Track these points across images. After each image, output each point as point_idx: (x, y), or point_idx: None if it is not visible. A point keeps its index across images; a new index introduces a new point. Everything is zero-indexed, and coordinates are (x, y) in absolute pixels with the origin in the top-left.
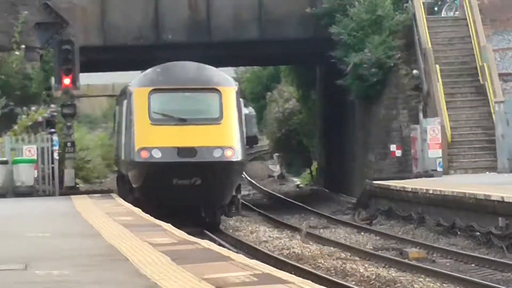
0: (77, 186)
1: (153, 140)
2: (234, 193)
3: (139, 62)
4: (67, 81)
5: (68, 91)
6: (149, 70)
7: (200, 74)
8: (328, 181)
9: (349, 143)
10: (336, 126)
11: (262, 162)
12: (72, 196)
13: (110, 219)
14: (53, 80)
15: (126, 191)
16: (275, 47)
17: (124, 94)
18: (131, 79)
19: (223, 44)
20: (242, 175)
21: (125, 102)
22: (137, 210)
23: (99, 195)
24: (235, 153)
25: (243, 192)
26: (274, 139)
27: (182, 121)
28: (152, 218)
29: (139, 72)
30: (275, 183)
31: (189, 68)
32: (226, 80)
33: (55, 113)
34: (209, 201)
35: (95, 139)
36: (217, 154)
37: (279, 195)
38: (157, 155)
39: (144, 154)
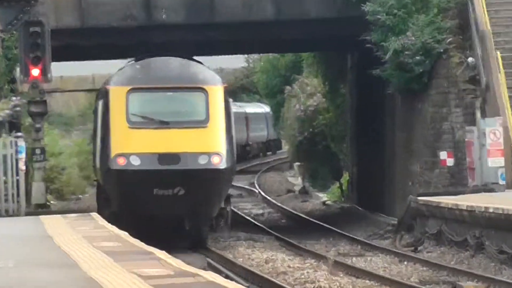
0: (48, 203)
1: (131, 145)
2: (222, 205)
3: (125, 49)
4: (35, 72)
5: (37, 84)
6: (127, 66)
7: (184, 71)
8: (362, 197)
9: (389, 149)
10: (372, 128)
11: (279, 174)
12: (42, 217)
13: (90, 245)
14: (18, 70)
15: (103, 204)
16: (295, 30)
17: (101, 92)
18: (116, 69)
19: (229, 25)
20: (231, 184)
21: (101, 102)
22: (124, 234)
23: (75, 215)
24: (223, 159)
25: (256, 211)
26: (295, 144)
27: (164, 124)
28: (142, 243)
29: (125, 61)
30: (296, 199)
31: (172, 64)
32: (213, 78)
33: (20, 110)
34: (194, 213)
35: (70, 144)
36: (202, 161)
37: (301, 214)
38: (135, 162)
39: (121, 161)
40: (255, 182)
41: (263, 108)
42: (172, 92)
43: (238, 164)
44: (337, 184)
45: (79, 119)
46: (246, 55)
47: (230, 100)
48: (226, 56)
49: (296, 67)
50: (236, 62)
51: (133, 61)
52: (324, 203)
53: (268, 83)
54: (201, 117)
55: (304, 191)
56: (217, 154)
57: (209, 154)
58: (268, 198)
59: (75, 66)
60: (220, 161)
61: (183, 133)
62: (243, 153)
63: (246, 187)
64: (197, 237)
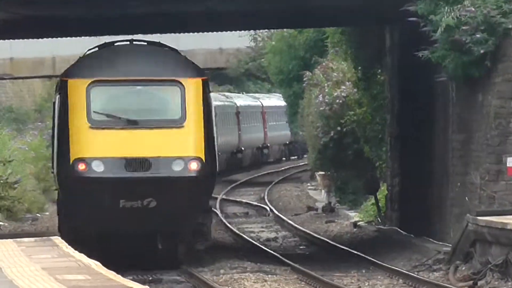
0: None
1: (93, 148)
2: (200, 220)
3: (96, 22)
4: None
5: None
6: (87, 54)
7: (156, 60)
8: (405, 217)
9: (440, 155)
10: (417, 127)
11: (297, 186)
12: None
13: (51, 278)
14: None
15: (63, 218)
16: None
17: (58, 85)
18: (83, 50)
19: None
20: (211, 195)
21: (58, 97)
22: (95, 263)
23: (32, 239)
24: (202, 165)
25: (267, 235)
26: (317, 148)
27: (132, 124)
28: (118, 276)
29: (96, 40)
30: (319, 219)
31: (142, 52)
32: (191, 69)
33: None
34: (167, 228)
35: (24, 148)
36: (177, 167)
37: (325, 239)
38: (98, 168)
39: (81, 167)
40: (266, 196)
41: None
42: (141, 86)
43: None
44: (372, 200)
45: (36, 115)
46: (253, 32)
47: (211, 95)
48: (228, 32)
49: (318, 47)
50: (241, 40)
51: (96, 49)
52: (355, 224)
53: (282, 67)
54: (176, 116)
55: (329, 209)
56: (195, 159)
57: (184, 159)
58: (283, 217)
59: (29, 45)
60: (198, 167)
61: (155, 134)
62: (260, 158)
63: (254, 203)
64: (172, 257)
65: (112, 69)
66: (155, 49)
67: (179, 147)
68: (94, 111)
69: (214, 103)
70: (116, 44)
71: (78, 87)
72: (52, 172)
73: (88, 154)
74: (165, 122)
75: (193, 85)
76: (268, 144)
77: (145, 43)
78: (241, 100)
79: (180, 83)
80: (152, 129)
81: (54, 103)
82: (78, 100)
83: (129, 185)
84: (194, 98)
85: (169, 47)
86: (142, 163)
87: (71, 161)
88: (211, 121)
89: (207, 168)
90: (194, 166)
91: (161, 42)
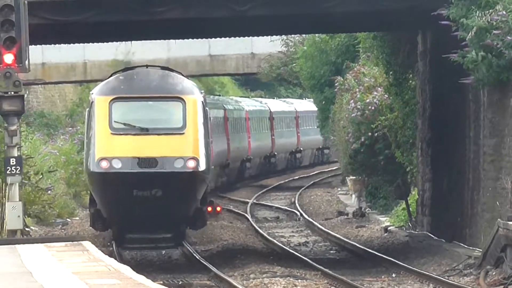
0: (28, 229)
1: (113, 150)
2: (199, 205)
3: (127, 27)
4: (8, 58)
5: (11, 74)
6: (111, 77)
7: (163, 82)
8: (436, 222)
9: (471, 160)
10: (448, 131)
11: (328, 191)
12: (18, 246)
13: (82, 283)
14: None
15: (91, 203)
16: (350, 2)
17: (89, 101)
18: (114, 54)
19: None
20: (206, 186)
21: (88, 110)
22: (125, 268)
23: (63, 243)
24: (198, 163)
25: (298, 239)
26: (348, 153)
27: (144, 131)
28: (148, 281)
29: (126, 45)
30: (350, 224)
31: (153, 75)
32: (191, 88)
33: None
34: (171, 213)
35: (55, 152)
36: (178, 164)
37: (356, 244)
38: (117, 165)
39: (104, 165)
40: (296, 201)
41: None
42: (151, 102)
43: (281, 177)
44: (403, 205)
45: (67, 120)
46: (284, 37)
47: (207, 109)
48: (260, 37)
49: (349, 52)
50: (272, 45)
51: (118, 73)
52: (386, 229)
53: (314, 72)
54: (178, 125)
55: (360, 214)
56: (192, 158)
57: (184, 158)
58: (313, 222)
59: (61, 50)
60: (195, 165)
61: (161, 139)
62: (293, 163)
63: (284, 207)
64: (175, 235)
65: (129, 88)
66: (164, 73)
67: (180, 149)
68: (114, 121)
69: (248, 108)
70: (134, 68)
71: (102, 102)
72: (84, 169)
73: (109, 154)
74: (170, 129)
75: (192, 101)
76: (301, 149)
77: (158, 68)
78: (275, 105)
79: (182, 99)
80: (159, 135)
81: (86, 115)
82: (102, 113)
83: (140, 178)
84: (192, 111)
85: (176, 71)
86: (151, 161)
87: (96, 159)
88: (206, 128)
89: (201, 165)
90: (191, 163)
91: (170, 67)
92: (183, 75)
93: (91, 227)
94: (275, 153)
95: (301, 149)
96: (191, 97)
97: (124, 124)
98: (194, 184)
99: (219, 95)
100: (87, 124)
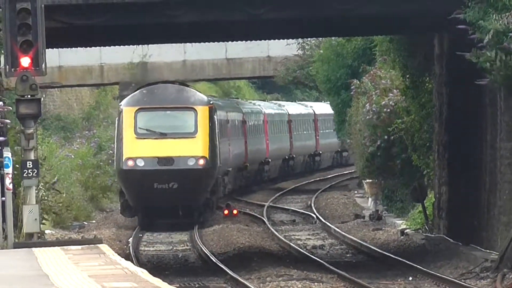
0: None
1: (137, 151)
2: (208, 196)
3: (143, 30)
4: (25, 61)
5: (27, 77)
6: (136, 91)
7: (179, 95)
8: (453, 225)
9: (488, 163)
10: (465, 134)
11: (344, 193)
12: (35, 249)
13: (98, 285)
14: (2, 60)
15: (120, 195)
16: (366, 5)
17: (118, 111)
18: (131, 57)
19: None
20: (214, 180)
21: (117, 118)
22: (142, 271)
23: (79, 246)
24: (207, 161)
25: (314, 242)
26: (365, 156)
27: (163, 135)
28: (164, 284)
29: (142, 48)
30: (366, 227)
31: (170, 90)
32: (201, 100)
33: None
34: (185, 202)
35: (71, 156)
36: (191, 162)
37: (372, 247)
38: (140, 163)
39: (130, 163)
40: (313, 204)
41: None
42: (169, 111)
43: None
44: (419, 208)
45: (83, 123)
46: (301, 40)
47: (215, 116)
48: (276, 41)
49: (366, 55)
50: (288, 49)
51: (142, 88)
52: (402, 232)
53: (330, 75)
54: (191, 130)
55: (376, 217)
56: (202, 157)
57: (196, 157)
58: (330, 225)
59: (78, 53)
60: (204, 163)
61: (177, 142)
62: (311, 165)
63: (301, 210)
64: (189, 220)
65: (151, 100)
66: (180, 87)
67: (192, 150)
68: (139, 127)
69: (266, 111)
70: (154, 84)
71: (129, 112)
72: (115, 168)
73: (134, 154)
74: (184, 134)
75: (202, 111)
76: (320, 152)
77: (177, 83)
78: (293, 107)
79: (194, 109)
80: (175, 139)
81: (116, 122)
82: (129, 120)
83: (160, 174)
84: (202, 119)
85: (188, 86)
86: (168, 160)
87: (123, 159)
88: (214, 133)
89: (209, 163)
90: (201, 162)
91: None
92: (195, 89)
93: (121, 214)
94: (293, 155)
95: (320, 152)
96: (201, 107)
97: (147, 130)
98: (203, 178)
99: (238, 98)
100: (117, 130)
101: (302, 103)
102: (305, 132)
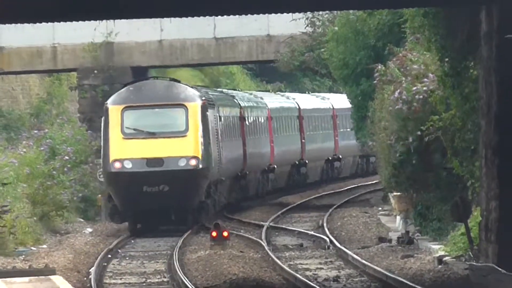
0: None
1: (125, 152)
2: (203, 199)
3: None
4: None
5: None
6: (123, 89)
7: (168, 91)
8: (505, 250)
9: None
10: None
11: (365, 210)
12: None
13: None
14: None
15: (109, 199)
16: None
17: (104, 110)
18: (92, 36)
19: None
20: (208, 182)
21: (103, 118)
22: None
23: (26, 278)
24: (199, 161)
25: (326, 273)
26: (391, 162)
27: (151, 135)
28: None
29: (107, 25)
30: (394, 253)
31: (159, 86)
32: (193, 96)
33: None
34: (177, 205)
35: (16, 162)
36: (182, 163)
37: (401, 279)
38: (128, 165)
39: (117, 165)
40: (325, 224)
41: None
42: (158, 109)
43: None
44: (462, 229)
45: (32, 120)
46: (310, 14)
47: (208, 112)
48: (278, 15)
49: (393, 33)
50: (294, 25)
51: (129, 85)
52: (440, 260)
53: (347, 59)
54: (182, 128)
55: (407, 240)
56: (194, 157)
57: (187, 158)
58: (346, 251)
59: (24, 31)
60: (196, 163)
61: (167, 141)
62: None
63: (310, 232)
64: (182, 225)
65: (138, 98)
66: (170, 83)
67: (183, 149)
68: (126, 127)
69: (270, 105)
70: (142, 81)
71: (115, 110)
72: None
73: (122, 156)
74: (174, 133)
75: (193, 108)
76: (340, 156)
77: (167, 79)
78: (306, 100)
79: (185, 106)
80: (165, 138)
81: (102, 122)
82: (115, 120)
83: (149, 176)
84: (194, 117)
85: (178, 81)
86: (158, 161)
87: (110, 161)
88: (206, 131)
89: (202, 163)
90: (193, 162)
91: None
92: (188, 85)
93: (110, 221)
94: (306, 161)
95: (340, 156)
96: (193, 104)
97: (134, 129)
98: (196, 180)
99: (235, 89)
100: (103, 130)
101: (317, 94)
102: (321, 131)
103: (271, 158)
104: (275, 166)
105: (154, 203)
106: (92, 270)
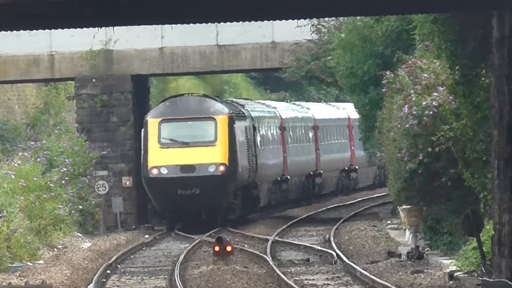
0: None
1: (161, 160)
2: (231, 200)
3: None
4: None
5: None
6: (160, 104)
7: (200, 106)
8: None
9: None
10: None
11: (374, 225)
12: None
13: None
14: None
15: (148, 201)
16: None
17: (143, 123)
18: (90, 44)
19: None
20: (234, 185)
21: (143, 130)
22: None
23: None
24: (227, 168)
25: None
26: (401, 175)
27: (185, 144)
28: None
29: (106, 32)
30: (403, 269)
31: (192, 101)
32: (221, 110)
33: None
34: (207, 206)
35: (12, 175)
36: (211, 169)
37: None
38: (164, 171)
39: (155, 171)
40: (332, 238)
41: None
42: (191, 121)
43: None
44: (474, 243)
45: (28, 132)
46: (316, 21)
47: (235, 124)
48: (283, 22)
49: (402, 40)
50: (299, 32)
51: (165, 101)
52: (451, 275)
53: (354, 67)
54: (211, 138)
55: (416, 255)
56: (222, 164)
57: (216, 165)
58: (355, 266)
59: (20, 39)
60: (224, 169)
61: (198, 150)
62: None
63: (317, 246)
64: (212, 223)
65: (173, 112)
66: (201, 98)
67: (212, 157)
68: (162, 137)
69: (283, 115)
70: (177, 96)
71: (153, 123)
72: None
73: (159, 163)
74: (205, 142)
75: (222, 120)
76: (356, 167)
77: (201, 95)
78: (320, 110)
79: (214, 119)
80: (196, 147)
81: (142, 134)
82: (153, 131)
83: (182, 181)
84: (222, 128)
85: (212, 97)
86: (190, 167)
87: (149, 168)
88: (233, 141)
89: (229, 170)
90: (221, 168)
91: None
92: (216, 99)
93: (150, 224)
94: (321, 171)
95: (356, 167)
96: (221, 116)
97: (170, 139)
98: (224, 184)
99: (247, 99)
100: (143, 140)
101: (332, 104)
102: (336, 141)
103: (284, 169)
104: (288, 177)
105: (187, 205)
106: (91, 286)
